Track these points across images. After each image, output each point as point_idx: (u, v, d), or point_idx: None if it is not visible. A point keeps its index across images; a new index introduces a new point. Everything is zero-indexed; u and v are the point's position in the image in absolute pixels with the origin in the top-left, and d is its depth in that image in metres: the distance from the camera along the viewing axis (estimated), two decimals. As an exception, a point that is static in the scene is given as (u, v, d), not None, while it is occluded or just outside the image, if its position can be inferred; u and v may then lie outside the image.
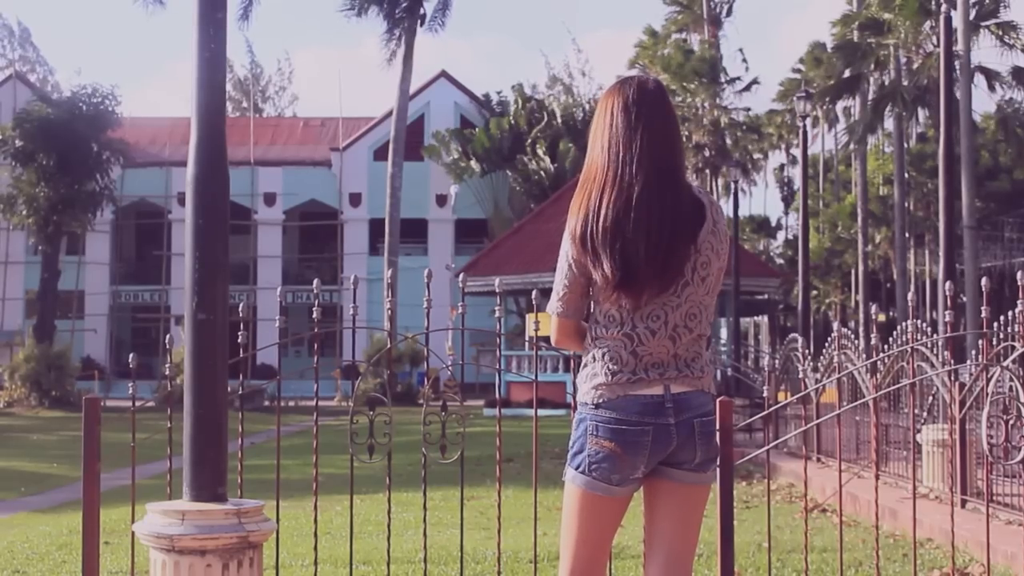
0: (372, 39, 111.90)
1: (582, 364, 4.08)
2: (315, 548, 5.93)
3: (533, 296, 6.08)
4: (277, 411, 6.06)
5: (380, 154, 53.96)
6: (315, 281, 6.01)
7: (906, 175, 46.56)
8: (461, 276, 6.16)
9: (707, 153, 59.91)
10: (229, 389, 4.94)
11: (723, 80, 58.11)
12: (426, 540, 6.00)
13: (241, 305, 5.94)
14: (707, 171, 62.12)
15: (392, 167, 45.66)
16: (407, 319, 40.20)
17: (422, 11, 46.13)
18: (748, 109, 58.82)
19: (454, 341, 30.13)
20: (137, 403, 5.77)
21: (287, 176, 57.86)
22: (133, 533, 4.83)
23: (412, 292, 40.81)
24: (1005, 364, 8.06)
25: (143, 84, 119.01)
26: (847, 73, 44.39)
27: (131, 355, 5.98)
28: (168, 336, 5.99)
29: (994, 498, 9.00)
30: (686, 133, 60.93)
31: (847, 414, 12.95)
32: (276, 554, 5.94)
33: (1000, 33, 39.18)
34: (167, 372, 5.99)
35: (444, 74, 60.02)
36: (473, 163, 54.73)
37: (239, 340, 5.69)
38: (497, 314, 6.11)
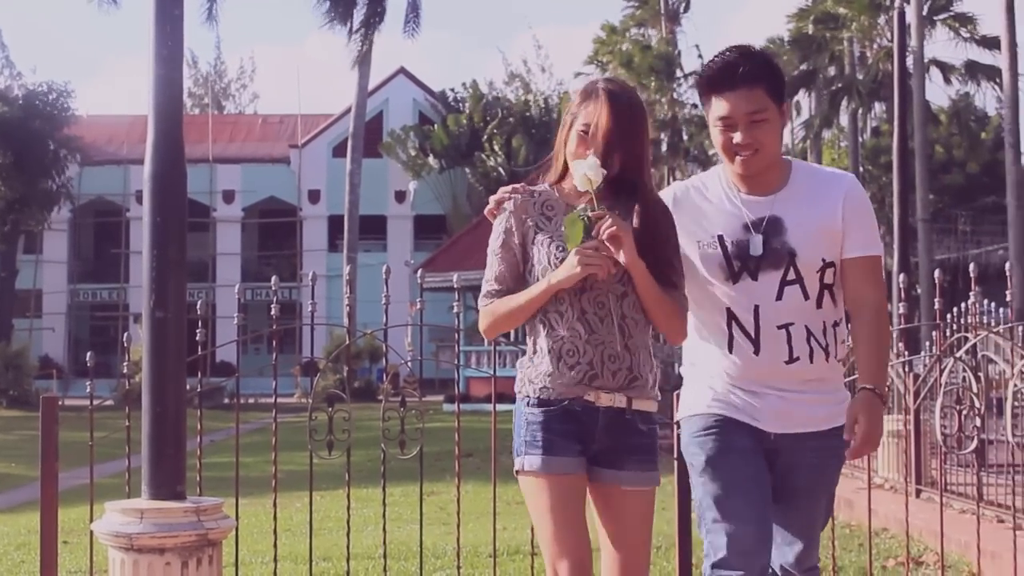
0: (330, 38, 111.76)
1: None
2: (275, 545, 5.92)
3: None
4: (236, 408, 6.04)
5: (339, 151, 53.74)
6: (273, 278, 6.00)
7: (861, 169, 46.76)
8: (420, 272, 6.16)
9: (663, 147, 60.01)
10: (188, 387, 4.93)
11: (680, 75, 58.22)
12: (386, 536, 6.00)
13: (199, 303, 5.93)
14: (662, 165, 62.22)
15: (351, 164, 45.55)
16: (366, 315, 39.93)
17: (381, 10, 45.91)
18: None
19: (413, 337, 30.16)
20: (95, 402, 5.75)
21: (246, 173, 57.59)
22: (92, 532, 4.82)
23: (371, 288, 40.43)
24: (958, 355, 8.13)
25: (99, 81, 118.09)
26: (803, 67, 44.56)
27: (89, 354, 5.96)
28: (126, 334, 5.97)
29: (948, 487, 9.07)
30: (643, 128, 60.93)
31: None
32: (236, 551, 5.93)
33: (955, 26, 39.43)
34: (125, 370, 5.97)
35: (403, 71, 59.84)
36: (432, 160, 54.62)
37: (197, 338, 5.68)
38: (455, 310, 6.12)
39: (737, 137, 3.99)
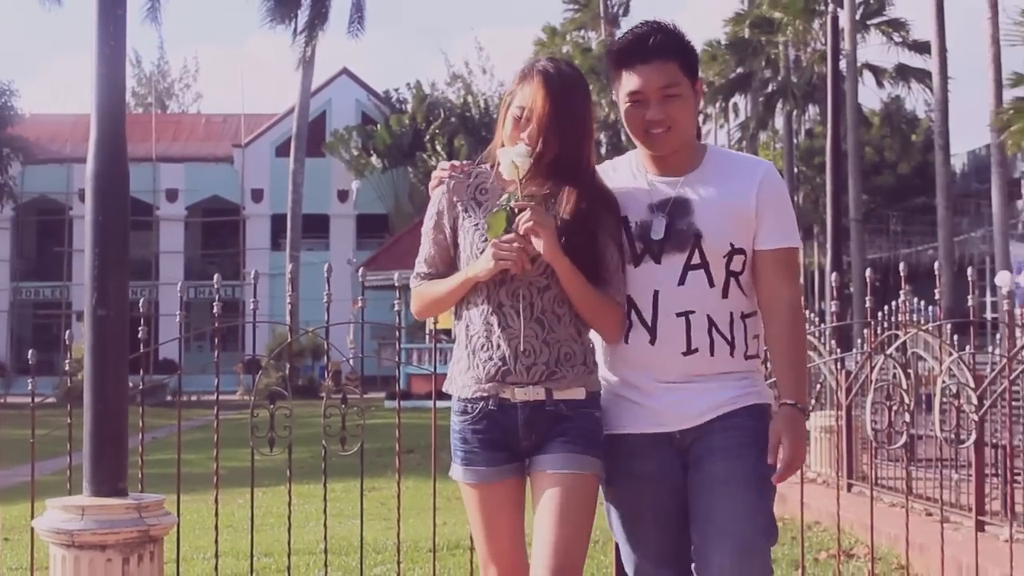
0: (273, 38, 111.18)
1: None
2: (216, 541, 5.89)
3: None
4: (178, 406, 6.03)
5: (282, 150, 53.51)
6: (216, 276, 5.97)
7: (796, 170, 47.14)
8: (361, 271, 6.16)
9: (603, 149, 60.18)
10: (130, 384, 4.89)
11: (619, 77, 58.20)
12: (327, 531, 5.99)
13: (142, 301, 5.89)
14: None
15: (294, 163, 45.43)
16: (309, 313, 39.56)
17: (324, 10, 45.75)
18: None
19: (355, 335, 30.03)
20: (37, 399, 5.70)
21: (189, 172, 57.21)
22: (33, 529, 4.78)
23: (314, 287, 39.91)
24: (888, 352, 8.21)
25: (43, 79, 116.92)
26: (739, 70, 44.85)
27: (31, 351, 5.91)
28: (69, 332, 5.92)
29: (878, 482, 9.17)
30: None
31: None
32: (177, 548, 5.90)
33: (888, 31, 39.80)
34: (68, 368, 5.92)
35: (346, 71, 59.67)
36: (374, 159, 54.50)
37: (140, 335, 5.64)
38: (397, 308, 6.11)
39: (649, 113, 3.69)
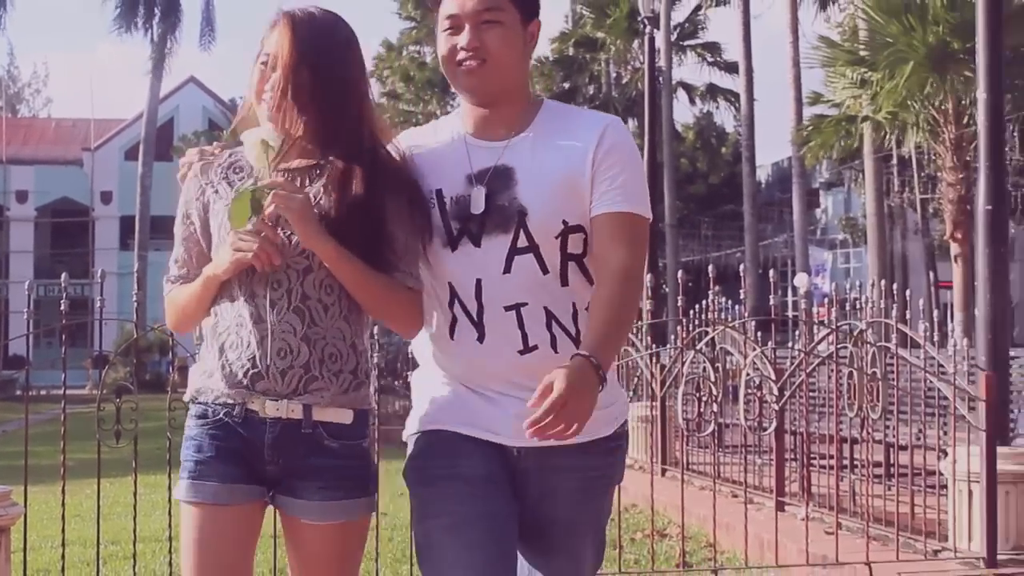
0: (123, 46, 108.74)
1: None
2: (63, 530, 5.76)
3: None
4: (26, 400, 5.87)
5: (131, 154, 52.39)
6: (63, 275, 5.83)
7: (616, 179, 47.70)
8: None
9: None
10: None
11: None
12: (171, 519, 5.89)
13: (-10, 299, 5.73)
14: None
15: (142, 167, 44.72)
16: (157, 311, 38.96)
17: (175, 20, 45.06)
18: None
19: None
20: None
21: (39, 175, 55.68)
22: None
23: (161, 285, 39.68)
24: (699, 347, 8.36)
25: None
26: (565, 86, 45.26)
27: None
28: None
29: (689, 467, 9.34)
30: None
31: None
32: (24, 537, 5.74)
33: (702, 52, 40.49)
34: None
35: (193, 79, 58.73)
36: (220, 164, 53.80)
37: (-12, 332, 5.48)
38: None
39: (460, 39, 2.90)
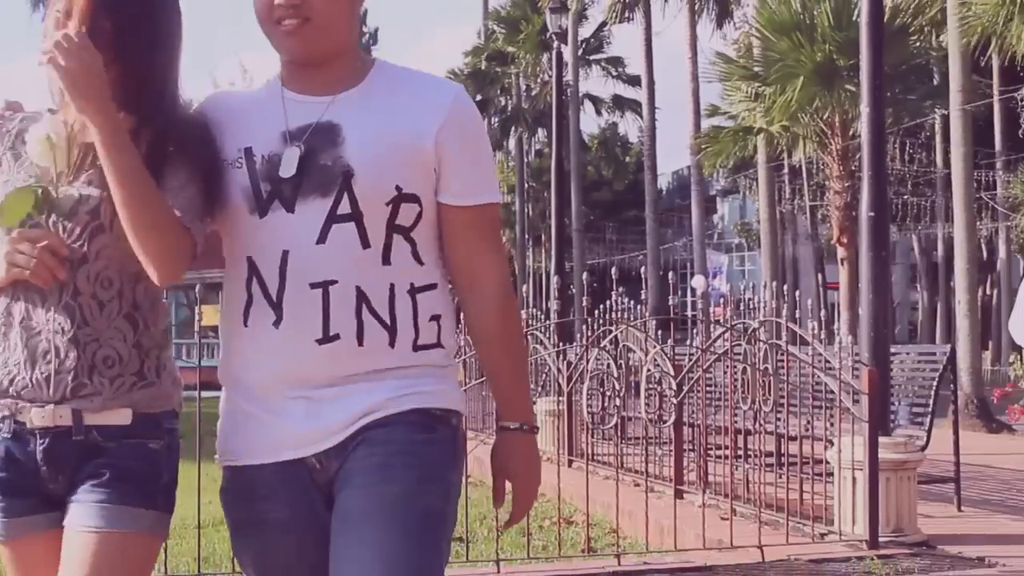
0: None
1: None
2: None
3: (197, 290, 5.99)
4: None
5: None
6: None
7: (526, 185, 47.85)
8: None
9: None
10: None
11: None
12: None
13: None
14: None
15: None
16: (85, 311, 38.34)
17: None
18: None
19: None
20: None
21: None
22: None
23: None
24: (603, 345, 8.40)
25: None
26: (479, 97, 45.24)
27: None
28: None
29: (594, 458, 9.37)
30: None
31: (474, 389, 13.22)
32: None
33: (607, 66, 40.71)
34: None
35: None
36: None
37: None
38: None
39: None
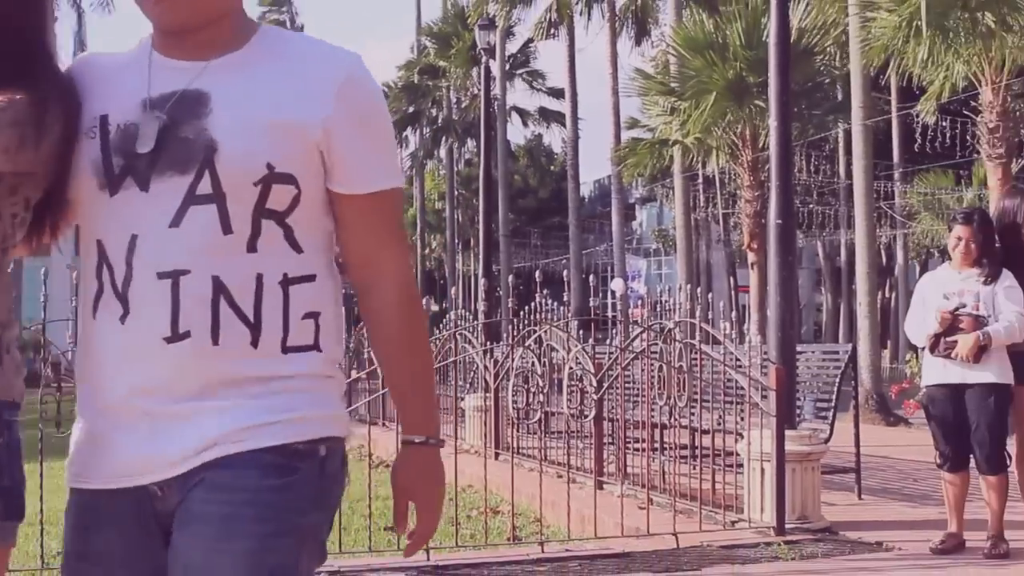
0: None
1: None
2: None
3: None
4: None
5: None
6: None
7: (456, 193, 47.84)
8: (76, 274, 5.92)
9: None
10: None
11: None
12: (43, 504, 5.72)
13: None
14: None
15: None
16: (33, 311, 37.78)
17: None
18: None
19: (74, 331, 28.70)
20: None
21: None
22: None
23: (38, 287, 38.40)
24: (527, 344, 8.43)
25: None
26: (411, 109, 45.17)
27: None
28: None
29: (519, 451, 9.39)
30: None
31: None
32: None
33: (530, 79, 40.80)
34: None
35: None
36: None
37: None
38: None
39: None
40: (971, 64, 14.30)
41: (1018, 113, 16.20)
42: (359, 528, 7.84)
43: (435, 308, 39.97)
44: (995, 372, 6.28)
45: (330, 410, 1.97)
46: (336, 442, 1.97)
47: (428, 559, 6.22)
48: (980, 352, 6.23)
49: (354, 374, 16.34)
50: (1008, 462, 6.43)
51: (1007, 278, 6.36)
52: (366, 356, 16.36)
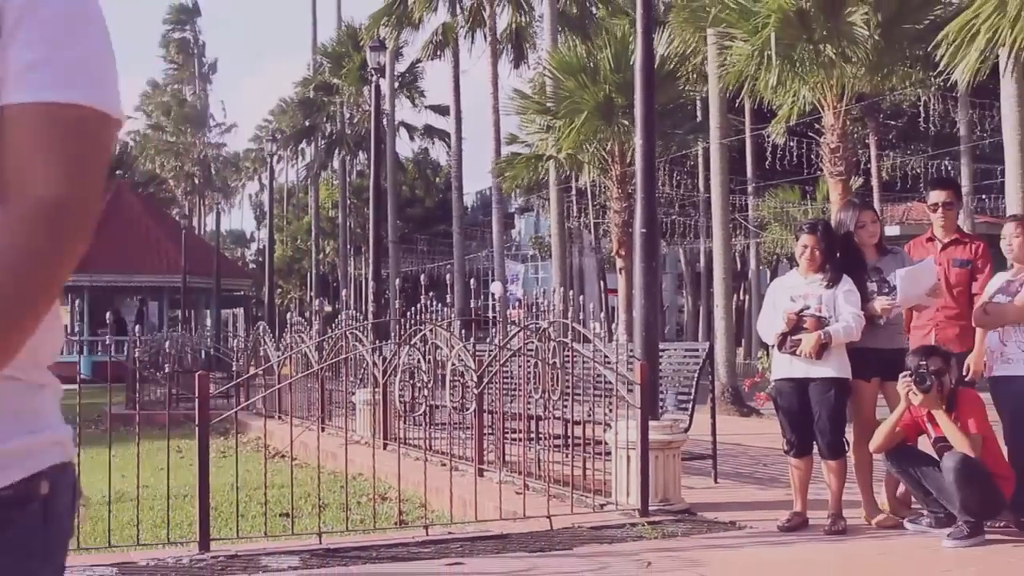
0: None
1: None
2: None
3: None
4: None
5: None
6: None
7: (348, 201, 47.44)
8: None
9: (196, 181, 58.48)
10: None
11: (211, 124, 56.85)
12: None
13: None
14: (195, 195, 60.60)
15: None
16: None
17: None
18: (224, 146, 58.08)
19: None
20: None
21: None
22: None
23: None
24: (414, 343, 8.39)
25: None
26: (307, 123, 44.67)
27: None
28: None
29: (406, 441, 9.35)
30: (179, 166, 59.25)
31: (300, 382, 13.01)
32: None
33: (413, 96, 40.65)
34: None
35: None
36: None
37: None
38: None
39: None
40: (815, 91, 14.64)
41: (856, 135, 16.63)
42: (256, 515, 7.70)
43: (328, 309, 39.64)
44: (835, 367, 6.43)
45: (46, 433, 1.36)
46: (61, 470, 1.38)
47: (320, 542, 6.13)
48: (822, 349, 6.37)
49: (252, 370, 16.11)
50: (847, 448, 6.59)
51: (847, 283, 6.52)
52: (263, 353, 16.14)
